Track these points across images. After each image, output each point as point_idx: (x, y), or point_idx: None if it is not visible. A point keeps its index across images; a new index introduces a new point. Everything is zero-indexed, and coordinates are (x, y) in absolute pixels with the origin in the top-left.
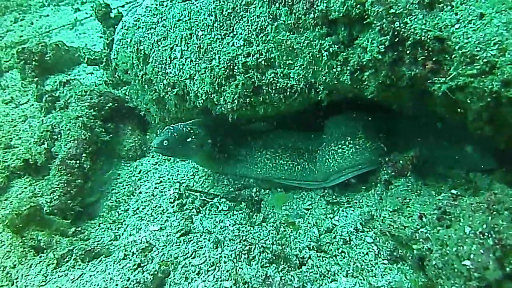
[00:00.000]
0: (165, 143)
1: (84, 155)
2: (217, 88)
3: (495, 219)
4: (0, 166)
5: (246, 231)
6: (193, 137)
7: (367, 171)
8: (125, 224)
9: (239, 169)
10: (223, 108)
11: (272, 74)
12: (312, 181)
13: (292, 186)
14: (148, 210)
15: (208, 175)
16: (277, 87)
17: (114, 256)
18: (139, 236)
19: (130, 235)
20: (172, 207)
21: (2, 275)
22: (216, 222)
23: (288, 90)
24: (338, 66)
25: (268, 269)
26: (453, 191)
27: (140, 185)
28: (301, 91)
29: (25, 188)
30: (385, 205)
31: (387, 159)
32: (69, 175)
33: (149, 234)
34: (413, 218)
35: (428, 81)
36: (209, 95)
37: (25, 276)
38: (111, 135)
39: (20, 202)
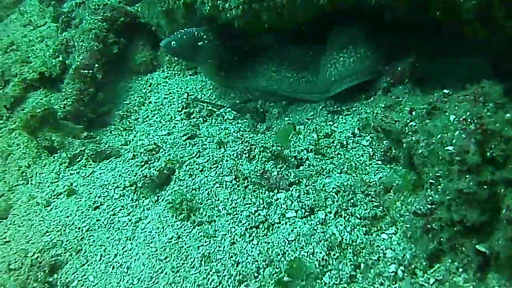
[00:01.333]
0: (173, 43)
1: (96, 65)
2: None
3: (479, 108)
4: (17, 79)
5: (250, 137)
6: (206, 42)
7: (368, 81)
8: (135, 131)
9: (246, 81)
10: (228, 15)
11: None
12: (316, 93)
13: (296, 98)
14: (157, 118)
15: (216, 88)
16: None
17: (124, 157)
18: (148, 139)
19: (139, 139)
20: (180, 115)
21: (18, 174)
22: (221, 129)
23: None
24: None
25: (266, 164)
26: (445, 90)
27: (150, 96)
28: None
29: (41, 99)
30: (378, 103)
31: (387, 67)
32: (82, 83)
33: (157, 138)
34: (403, 113)
35: None
36: (215, 1)
37: (39, 174)
38: (120, 49)
39: (34, 105)
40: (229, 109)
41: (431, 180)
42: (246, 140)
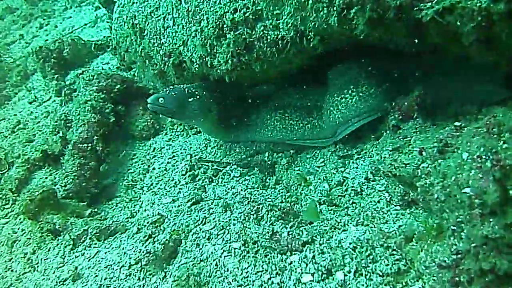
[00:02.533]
0: (161, 100)
1: (95, 137)
2: (209, 50)
3: (493, 141)
4: (20, 159)
5: (258, 194)
6: (197, 98)
7: (376, 119)
8: (140, 201)
9: (250, 134)
10: (218, 71)
11: (262, 27)
12: (323, 138)
13: (304, 146)
14: (161, 185)
15: (220, 145)
16: (269, 40)
17: (129, 232)
18: (152, 210)
19: (144, 210)
20: (184, 179)
21: (24, 261)
22: (228, 188)
23: (279, 41)
24: (325, 8)
25: (275, 225)
26: (456, 123)
27: (154, 162)
28: (293, 40)
29: (46, 178)
30: (384, 145)
31: (393, 103)
32: (82, 158)
33: (162, 207)
34: (413, 155)
35: (415, 8)
36: (203, 59)
37: (44, 260)
38: (120, 115)
39: (33, 188)
40: (235, 166)
41: (452, 227)
42: (253, 199)
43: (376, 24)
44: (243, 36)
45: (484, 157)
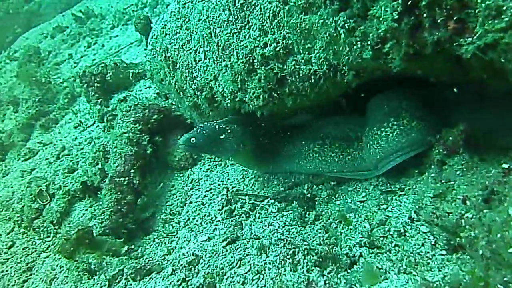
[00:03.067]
0: (193, 140)
1: (132, 171)
2: (240, 86)
3: None
4: (61, 191)
5: (296, 232)
6: (228, 134)
7: (421, 152)
8: (177, 237)
9: (288, 166)
10: (250, 106)
11: (293, 62)
12: (364, 170)
13: (345, 178)
14: (197, 220)
15: (258, 176)
16: (301, 74)
17: (164, 272)
18: (188, 248)
19: (181, 248)
20: (221, 214)
21: None
22: (265, 225)
23: (312, 76)
24: (358, 42)
25: (311, 273)
26: (504, 165)
27: (191, 195)
28: (326, 75)
29: (86, 210)
30: (426, 191)
31: (438, 136)
32: (118, 193)
33: (197, 246)
34: (456, 203)
35: (455, 44)
36: (234, 94)
37: None
38: (158, 146)
39: (69, 227)
40: (273, 200)
41: (499, 286)
42: (289, 241)
43: (413, 58)
44: (274, 71)
45: None
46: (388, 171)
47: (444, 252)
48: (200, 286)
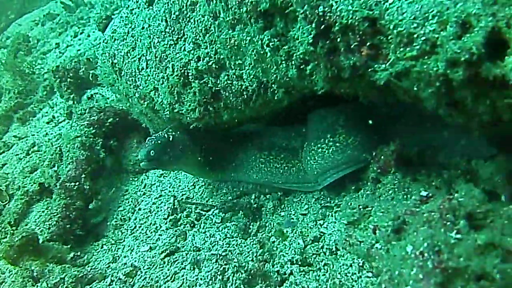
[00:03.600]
0: (152, 153)
1: (83, 176)
2: (177, 98)
3: (441, 235)
4: (20, 192)
5: (236, 245)
6: (179, 142)
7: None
8: (123, 245)
9: (236, 175)
10: (188, 118)
11: (226, 77)
12: (307, 182)
13: (291, 188)
14: (143, 229)
15: (208, 184)
16: (233, 90)
17: (104, 282)
18: (130, 258)
19: (124, 256)
20: (166, 223)
21: None
22: (207, 236)
23: (244, 92)
24: (283, 62)
25: None
26: (423, 192)
27: (142, 201)
28: (257, 92)
29: (43, 212)
30: (341, 216)
31: (374, 154)
32: (68, 198)
33: (138, 256)
34: (368, 232)
35: (369, 70)
36: (173, 105)
37: None
38: (113, 150)
39: (14, 234)
40: (218, 210)
41: None
42: (222, 256)
43: (336, 81)
44: (209, 85)
45: (426, 255)
46: (330, 185)
47: (370, 274)
48: None
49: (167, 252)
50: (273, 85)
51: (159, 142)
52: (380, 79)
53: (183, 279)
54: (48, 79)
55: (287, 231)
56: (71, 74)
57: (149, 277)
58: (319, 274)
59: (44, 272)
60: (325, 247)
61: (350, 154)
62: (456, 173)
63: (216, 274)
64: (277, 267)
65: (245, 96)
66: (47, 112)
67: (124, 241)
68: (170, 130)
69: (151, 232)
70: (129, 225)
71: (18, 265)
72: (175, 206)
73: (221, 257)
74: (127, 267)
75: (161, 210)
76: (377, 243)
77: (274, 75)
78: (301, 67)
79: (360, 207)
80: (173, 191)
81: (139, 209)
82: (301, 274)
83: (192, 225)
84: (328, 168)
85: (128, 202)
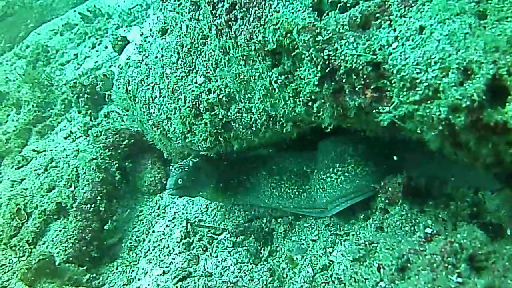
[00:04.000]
0: (180, 181)
1: (99, 198)
2: (189, 128)
3: (440, 279)
4: (37, 211)
5: (247, 270)
6: (203, 169)
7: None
8: (137, 267)
9: (249, 199)
10: (199, 147)
11: (236, 110)
12: (318, 208)
13: (302, 214)
14: (156, 252)
15: (220, 207)
16: (243, 122)
17: None
18: (144, 281)
19: (138, 279)
20: (179, 247)
21: None
22: (219, 261)
23: (253, 124)
24: (291, 98)
25: None
26: (427, 229)
27: (156, 223)
28: (266, 124)
29: (60, 231)
30: (346, 252)
31: (382, 184)
32: (84, 220)
33: (152, 279)
34: (372, 269)
35: (374, 111)
36: (185, 135)
37: None
38: (127, 172)
39: (31, 256)
40: (229, 234)
41: None
42: (233, 284)
43: (342, 118)
44: (219, 117)
45: None
46: (340, 212)
47: None
48: None
49: (180, 277)
50: (281, 119)
51: (186, 170)
52: (384, 121)
53: None
54: (66, 93)
55: (297, 258)
56: (88, 90)
57: None
58: None
59: None
60: (334, 275)
61: (358, 184)
62: (463, 206)
63: None
64: None
65: (255, 128)
66: (65, 126)
67: (138, 263)
68: (193, 157)
69: (164, 256)
70: (143, 247)
71: (35, 287)
72: (188, 230)
73: (232, 284)
74: None
75: (174, 233)
76: (381, 281)
77: (283, 110)
78: (309, 104)
79: (366, 243)
80: (186, 213)
81: (153, 231)
82: None
83: (204, 249)
84: (337, 197)
85: (143, 223)
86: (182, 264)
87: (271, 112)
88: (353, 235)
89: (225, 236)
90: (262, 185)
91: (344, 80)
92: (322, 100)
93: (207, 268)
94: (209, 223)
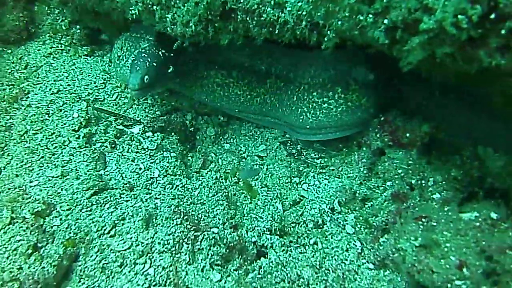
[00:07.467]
0: (146, 79)
1: None
2: (169, 3)
3: None
4: None
5: (182, 187)
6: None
7: None
8: (7, 154)
9: (193, 91)
10: (169, 29)
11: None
12: (273, 117)
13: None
14: (41, 138)
15: (124, 86)
16: (262, 19)
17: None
18: (29, 184)
19: (16, 176)
20: (77, 138)
21: None
22: (140, 169)
23: (277, 25)
24: (370, 16)
25: (212, 272)
26: (492, 214)
27: (28, 90)
28: (298, 30)
29: None
30: (406, 233)
31: (382, 118)
32: None
33: (45, 183)
34: (447, 263)
35: None
36: (149, 6)
37: None
38: None
39: None
40: (149, 132)
41: None
42: (185, 216)
43: (434, 64)
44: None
45: None
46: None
47: (371, 266)
48: (59, 259)
49: (95, 189)
50: (329, 32)
51: (154, 64)
52: None
53: (131, 240)
54: None
55: (255, 185)
56: None
57: (74, 224)
58: (306, 252)
59: None
60: (308, 217)
61: (359, 117)
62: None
63: (182, 241)
64: (253, 236)
65: (274, 30)
66: None
67: (6, 146)
68: (151, 39)
69: (56, 148)
70: (13, 122)
71: None
72: (89, 115)
73: (186, 217)
74: (33, 202)
75: (66, 115)
76: (459, 281)
77: (341, 23)
78: (396, 33)
79: (423, 220)
80: (75, 86)
81: (29, 105)
82: (283, 249)
83: (112, 145)
84: (326, 126)
85: (3, 84)
86: (88, 165)
87: (318, 20)
88: (333, 170)
89: (141, 130)
90: (204, 78)
91: (500, 33)
92: (429, 39)
93: (124, 175)
94: (112, 109)
